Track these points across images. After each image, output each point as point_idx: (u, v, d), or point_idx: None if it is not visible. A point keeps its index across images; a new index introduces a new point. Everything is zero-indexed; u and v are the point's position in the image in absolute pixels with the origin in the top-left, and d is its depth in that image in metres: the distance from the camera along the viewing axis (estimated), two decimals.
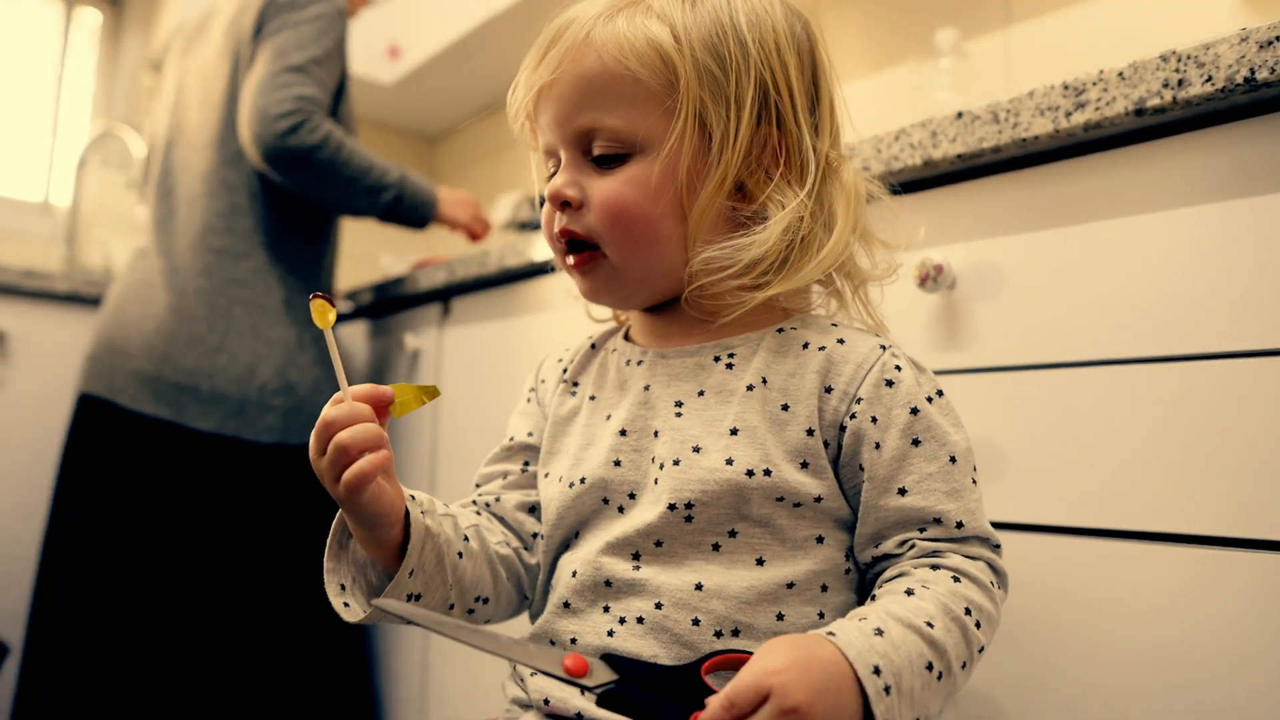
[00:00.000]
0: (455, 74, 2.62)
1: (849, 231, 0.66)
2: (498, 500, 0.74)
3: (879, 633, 0.53)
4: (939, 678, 0.54)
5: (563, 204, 0.66)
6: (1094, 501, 0.76)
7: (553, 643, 0.65)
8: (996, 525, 0.74)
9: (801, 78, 0.66)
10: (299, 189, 1.53)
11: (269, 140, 1.46)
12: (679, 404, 0.66)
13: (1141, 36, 1.42)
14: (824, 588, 0.63)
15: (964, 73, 1.57)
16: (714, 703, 0.49)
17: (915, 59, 1.60)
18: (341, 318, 1.94)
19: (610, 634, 0.62)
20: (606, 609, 0.63)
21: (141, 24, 2.89)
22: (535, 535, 0.73)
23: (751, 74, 0.63)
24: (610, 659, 0.57)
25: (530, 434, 0.76)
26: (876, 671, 0.51)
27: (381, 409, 0.60)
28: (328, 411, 0.58)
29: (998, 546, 0.63)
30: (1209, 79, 0.70)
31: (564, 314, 1.34)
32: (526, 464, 0.75)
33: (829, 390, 0.63)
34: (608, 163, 0.65)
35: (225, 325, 1.52)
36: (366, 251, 2.86)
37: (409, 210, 1.64)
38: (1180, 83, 0.71)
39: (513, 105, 0.70)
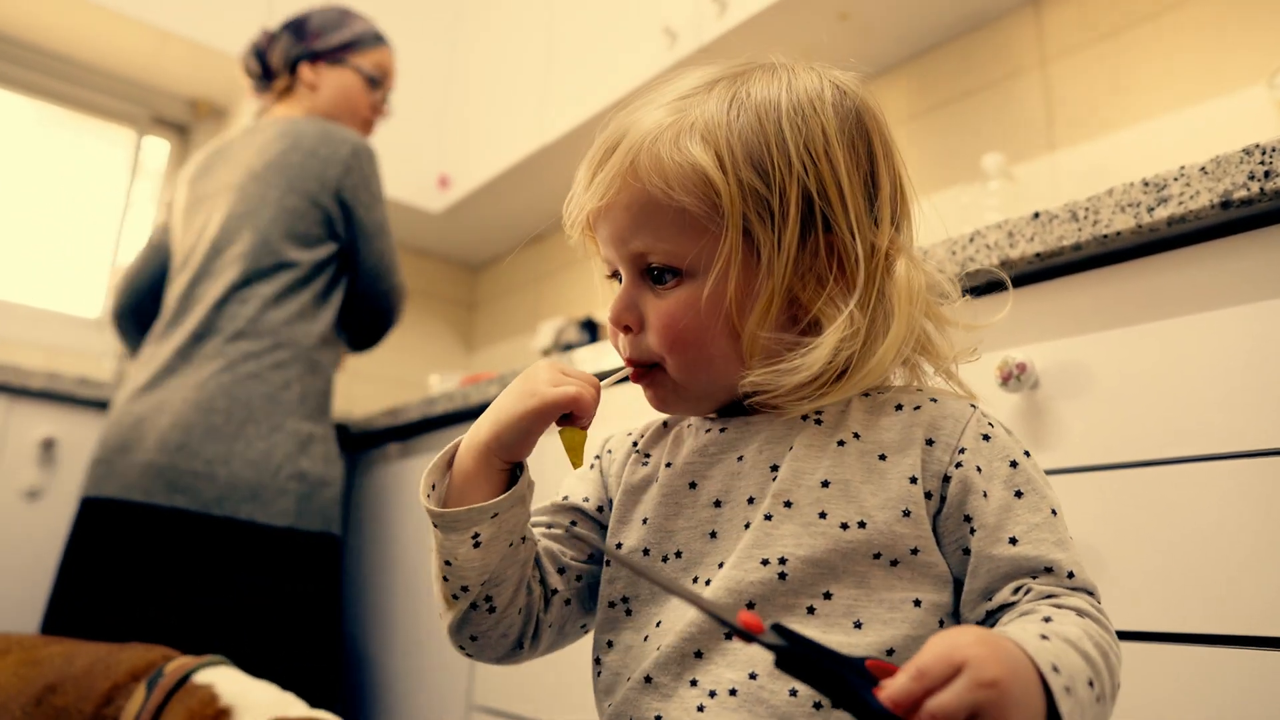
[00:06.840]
0: (502, 203, 2.70)
1: (902, 336, 0.64)
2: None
3: (1044, 638, 0.51)
4: (1097, 699, 0.51)
5: (625, 327, 0.68)
6: (1197, 605, 0.72)
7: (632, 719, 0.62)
8: None
9: (856, 171, 0.64)
10: None
11: None
12: (774, 467, 0.64)
13: (1180, 157, 1.44)
14: None
15: (1011, 195, 1.60)
16: (902, 673, 0.46)
17: (963, 182, 1.64)
18: (391, 436, 1.94)
19: (700, 709, 0.59)
20: (694, 682, 0.60)
21: None
22: (554, 592, 0.70)
23: (794, 184, 0.62)
24: (778, 628, 0.50)
25: (586, 499, 0.74)
26: (1055, 670, 0.48)
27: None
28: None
29: (1100, 603, 0.60)
30: None
31: (614, 426, 1.32)
32: (573, 523, 0.73)
33: (930, 443, 0.62)
34: (664, 279, 0.65)
35: (243, 415, 1.55)
36: (415, 373, 2.89)
37: None
38: (1267, 174, 0.72)
39: (568, 218, 0.71)
